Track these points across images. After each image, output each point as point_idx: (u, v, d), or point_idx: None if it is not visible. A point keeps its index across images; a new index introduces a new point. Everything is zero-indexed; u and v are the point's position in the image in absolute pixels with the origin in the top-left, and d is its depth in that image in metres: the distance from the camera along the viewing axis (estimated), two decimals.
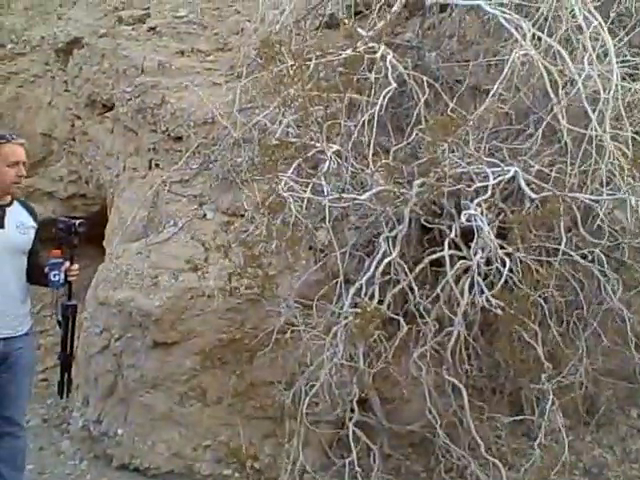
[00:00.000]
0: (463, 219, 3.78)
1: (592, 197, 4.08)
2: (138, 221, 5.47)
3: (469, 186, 3.88)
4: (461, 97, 4.99)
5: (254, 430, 4.43)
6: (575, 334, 4.16)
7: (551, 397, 3.86)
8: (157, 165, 5.87)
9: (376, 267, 3.93)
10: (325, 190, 4.25)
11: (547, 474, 4.01)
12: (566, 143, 4.29)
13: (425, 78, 4.82)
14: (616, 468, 4.19)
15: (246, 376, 4.38)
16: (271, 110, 5.23)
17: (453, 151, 3.96)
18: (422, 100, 4.67)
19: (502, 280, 3.67)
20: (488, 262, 3.96)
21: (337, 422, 4.38)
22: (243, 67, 5.73)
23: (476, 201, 3.82)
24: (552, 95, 4.43)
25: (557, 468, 3.94)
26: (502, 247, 3.79)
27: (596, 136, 4.16)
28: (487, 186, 3.83)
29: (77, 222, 4.02)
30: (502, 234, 4.12)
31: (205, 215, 5.10)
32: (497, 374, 4.31)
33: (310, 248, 4.63)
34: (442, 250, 3.95)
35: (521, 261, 3.84)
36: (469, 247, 3.97)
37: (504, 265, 3.72)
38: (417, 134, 4.53)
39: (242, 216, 4.87)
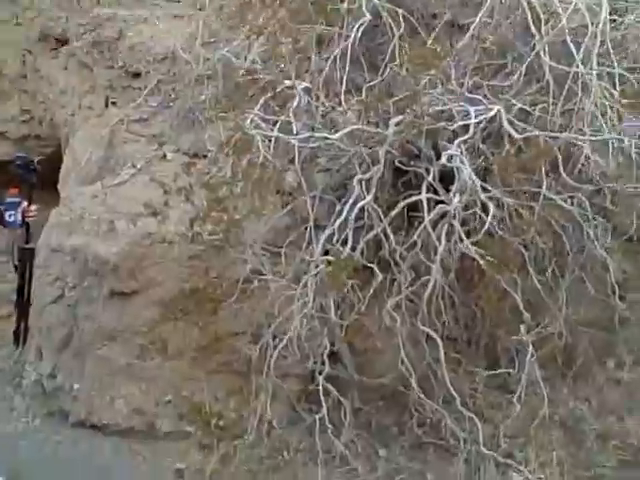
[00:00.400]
0: (444, 160, 3.51)
1: (575, 136, 3.80)
2: (93, 162, 5.13)
3: (450, 124, 3.59)
4: (437, 32, 4.69)
5: (219, 385, 4.16)
6: (555, 283, 3.93)
7: (530, 349, 3.64)
8: (114, 103, 5.51)
9: (349, 212, 3.64)
10: (294, 129, 3.96)
11: (524, 428, 3.84)
12: (548, 81, 4.03)
13: (401, 11, 4.50)
14: (592, 421, 4.03)
15: (210, 328, 4.09)
16: (237, 44, 4.90)
17: (435, 86, 3.65)
18: (397, 34, 4.36)
19: (485, 226, 3.41)
20: (466, 207, 3.72)
21: (306, 376, 4.14)
22: None
23: (457, 141, 3.53)
24: (534, 30, 4.17)
25: (535, 422, 3.77)
26: (484, 190, 3.52)
27: (581, 74, 3.91)
28: (468, 125, 3.55)
29: (36, 159, 3.79)
30: (481, 177, 3.85)
31: (165, 156, 4.75)
32: (473, 324, 4.08)
33: (277, 191, 4.33)
34: (419, 194, 3.68)
35: (502, 205, 3.58)
36: (447, 191, 3.71)
37: (484, 210, 3.47)
38: (392, 70, 4.25)
39: (205, 157, 4.54)
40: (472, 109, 3.60)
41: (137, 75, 5.42)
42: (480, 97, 3.69)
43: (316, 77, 4.38)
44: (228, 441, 4.04)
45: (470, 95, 3.69)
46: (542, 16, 4.19)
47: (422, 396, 3.87)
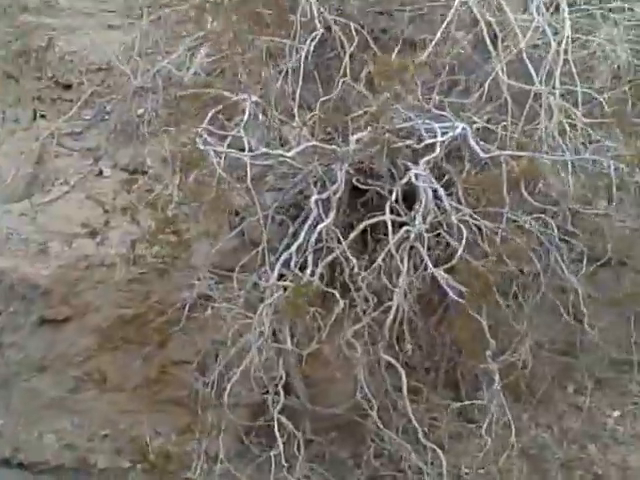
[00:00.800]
0: (411, 179, 3.28)
1: (540, 155, 3.63)
2: (20, 178, 4.72)
3: (417, 142, 3.37)
4: (387, 48, 4.50)
5: (161, 418, 3.82)
6: (518, 307, 3.75)
7: (496, 377, 3.44)
8: (43, 116, 5.11)
9: (308, 234, 3.38)
10: (246, 145, 3.68)
11: (486, 458, 3.63)
12: (506, 100, 3.87)
13: (352, 24, 4.28)
14: (555, 449, 3.85)
15: (152, 357, 3.76)
16: (178, 55, 4.61)
17: (398, 101, 3.42)
18: (351, 47, 4.14)
19: (460, 250, 3.18)
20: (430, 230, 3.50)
21: (255, 407, 3.84)
22: (144, 7, 5.06)
23: (424, 159, 3.31)
24: (491, 49, 4.02)
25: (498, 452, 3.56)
26: (456, 211, 3.31)
27: (541, 93, 3.77)
28: (434, 144, 3.34)
29: None
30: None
31: (102, 172, 4.40)
32: (433, 351, 3.86)
33: (224, 211, 4.03)
34: (380, 215, 3.44)
35: (471, 228, 3.37)
36: (411, 211, 3.49)
37: (451, 233, 3.27)
38: (346, 85, 4.02)
39: (145, 173, 4.21)
40: (437, 126, 3.40)
41: (68, 87, 5.04)
42: (446, 114, 3.48)
43: (266, 91, 4.15)
44: (171, 478, 3.71)
45: (438, 112, 3.48)
46: (499, 34, 4.09)
47: (380, 426, 3.64)
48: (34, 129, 4.99)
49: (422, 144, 3.36)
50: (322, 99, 3.99)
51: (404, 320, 3.38)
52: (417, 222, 3.48)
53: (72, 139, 4.68)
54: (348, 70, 4.05)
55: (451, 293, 3.23)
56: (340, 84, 3.98)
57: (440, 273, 3.31)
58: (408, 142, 3.41)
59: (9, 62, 5.36)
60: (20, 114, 5.26)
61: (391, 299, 3.47)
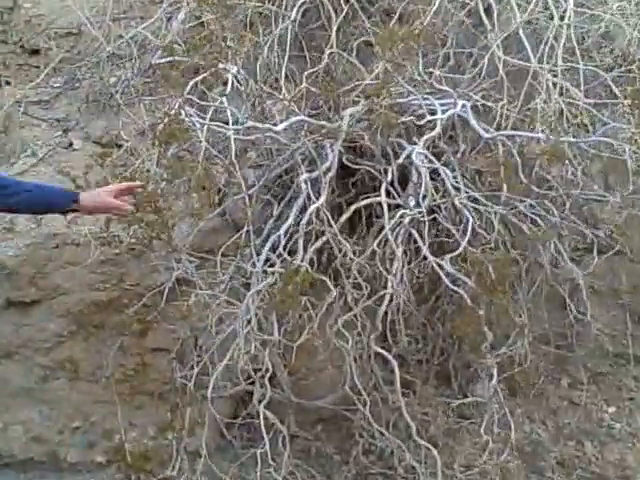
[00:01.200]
0: (415, 158, 3.02)
1: (538, 136, 3.37)
2: None
3: (419, 119, 3.10)
4: (374, 20, 4.21)
5: (136, 409, 3.53)
6: (515, 297, 3.52)
7: (494, 372, 3.21)
8: (8, 83, 4.71)
9: (298, 216, 3.10)
10: (229, 118, 3.38)
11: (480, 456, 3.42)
12: (502, 77, 3.61)
13: None
14: (552, 447, 3.65)
15: (127, 344, 3.47)
16: (154, 20, 4.26)
17: (399, 75, 3.14)
18: (339, 17, 3.86)
19: (467, 236, 2.93)
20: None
21: (236, 397, 3.59)
22: None
23: (425, 138, 3.05)
24: (486, 22, 3.75)
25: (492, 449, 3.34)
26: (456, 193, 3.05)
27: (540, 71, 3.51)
28: (435, 121, 3.07)
29: None
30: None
31: (72, 144, 4.04)
32: (424, 342, 3.62)
33: (203, 188, 3.73)
34: (375, 196, 3.18)
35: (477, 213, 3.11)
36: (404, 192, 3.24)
37: (454, 218, 3.02)
38: (333, 57, 3.74)
39: (120, 146, 3.88)
40: (437, 103, 3.13)
41: (36, 52, 4.66)
42: (449, 89, 3.20)
43: (249, 61, 3.84)
44: (146, 473, 3.44)
45: (441, 87, 3.21)
46: (495, 7, 3.82)
47: (370, 420, 3.40)
48: None
49: (424, 120, 3.09)
50: (309, 71, 3.73)
51: (399, 310, 3.14)
52: (412, 204, 3.25)
53: (40, 108, 4.32)
54: (335, 42, 3.82)
55: (457, 288, 2.97)
56: (327, 56, 3.73)
57: (441, 263, 3.06)
58: (409, 118, 3.12)
59: None
60: None
61: (384, 287, 3.24)
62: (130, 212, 2.89)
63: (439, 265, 3.17)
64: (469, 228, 2.95)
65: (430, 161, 3.08)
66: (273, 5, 3.84)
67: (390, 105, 3.29)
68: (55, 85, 4.46)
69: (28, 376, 3.53)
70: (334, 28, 3.80)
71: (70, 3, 4.63)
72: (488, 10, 3.86)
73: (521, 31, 3.66)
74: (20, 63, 4.77)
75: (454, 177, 3.16)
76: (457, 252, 2.99)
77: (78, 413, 3.53)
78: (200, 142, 3.32)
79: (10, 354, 3.53)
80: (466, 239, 2.94)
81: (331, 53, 3.73)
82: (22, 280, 3.51)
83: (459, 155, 3.48)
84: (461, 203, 3.01)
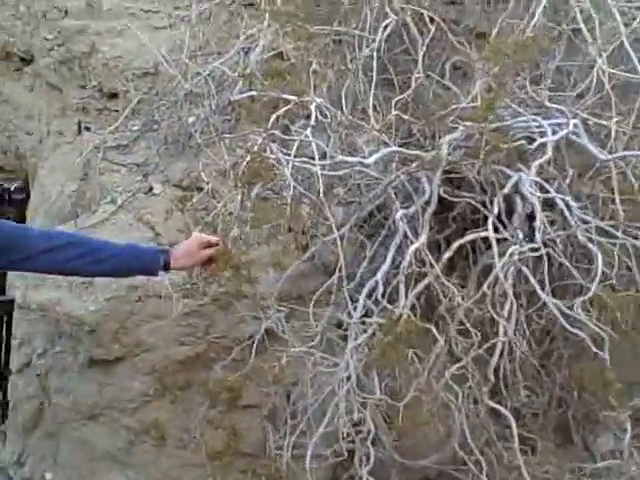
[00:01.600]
0: (525, 187, 2.63)
1: None
2: (66, 197, 4.19)
3: (530, 142, 2.72)
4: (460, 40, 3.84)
5: (229, 470, 3.24)
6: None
7: (629, 424, 2.77)
8: (88, 128, 4.55)
9: (397, 257, 2.76)
10: (315, 151, 3.07)
11: None
12: (608, 92, 3.18)
13: (426, 12, 3.64)
14: None
15: (216, 401, 3.18)
16: (231, 54, 4.02)
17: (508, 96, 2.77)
18: (427, 37, 3.51)
19: (597, 277, 2.52)
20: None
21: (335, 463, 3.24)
22: (192, 6, 4.49)
23: (536, 163, 2.66)
24: (585, 33, 3.34)
25: None
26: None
27: None
28: (545, 144, 2.69)
29: (12, 187, 3.13)
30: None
31: (152, 189, 3.82)
32: (540, 392, 3.19)
33: (290, 230, 3.43)
34: (482, 230, 2.80)
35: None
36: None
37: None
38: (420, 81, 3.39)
39: (200, 189, 3.63)
40: (546, 123, 2.74)
41: (114, 95, 4.49)
42: (561, 108, 2.81)
43: (331, 91, 3.54)
44: None
45: (550, 105, 2.82)
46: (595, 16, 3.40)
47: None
48: (78, 142, 4.47)
49: (535, 144, 2.70)
50: (397, 98, 3.39)
51: (516, 360, 2.75)
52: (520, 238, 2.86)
53: (119, 153, 4.13)
54: (421, 65, 3.48)
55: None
56: (415, 80, 3.39)
57: (559, 304, 2.66)
58: (519, 142, 2.73)
59: (52, 71, 4.90)
60: (64, 126, 4.75)
61: (495, 333, 2.85)
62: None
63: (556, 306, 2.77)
64: (599, 265, 2.53)
65: (542, 189, 2.68)
66: (356, 29, 3.54)
67: (495, 129, 2.93)
68: (134, 128, 4.27)
69: (114, 439, 3.29)
70: (421, 51, 3.48)
71: (147, 42, 4.51)
72: (587, 21, 3.48)
73: (625, 39, 3.27)
74: (99, 108, 4.61)
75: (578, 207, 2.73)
76: (588, 295, 2.57)
77: (167, 478, 3.26)
78: (285, 180, 3.04)
79: (94, 416, 3.31)
80: (596, 280, 2.53)
81: (418, 78, 3.41)
82: (104, 336, 3.28)
83: (567, 181, 3.07)
84: (584, 236, 2.60)
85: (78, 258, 2.42)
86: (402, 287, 2.69)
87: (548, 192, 2.83)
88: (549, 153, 2.67)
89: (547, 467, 3.07)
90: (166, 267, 2.57)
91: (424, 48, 3.44)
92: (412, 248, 2.69)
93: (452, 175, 3.21)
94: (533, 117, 2.79)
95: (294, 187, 3.04)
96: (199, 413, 3.16)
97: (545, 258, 2.82)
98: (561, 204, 2.66)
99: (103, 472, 3.31)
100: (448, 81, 3.31)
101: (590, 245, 2.60)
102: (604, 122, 2.97)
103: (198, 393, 3.22)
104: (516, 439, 2.84)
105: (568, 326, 2.75)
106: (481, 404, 2.92)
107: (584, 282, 2.66)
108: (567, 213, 2.63)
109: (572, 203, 2.65)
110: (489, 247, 3.03)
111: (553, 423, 3.25)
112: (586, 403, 3.16)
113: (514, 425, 2.84)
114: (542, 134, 2.73)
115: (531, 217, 3.02)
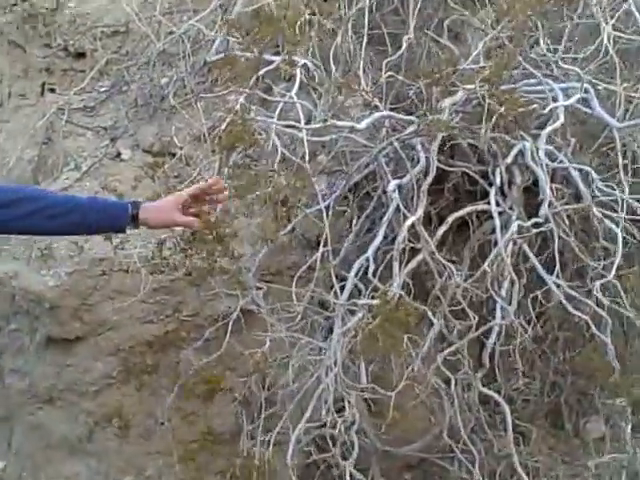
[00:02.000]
0: (537, 158, 2.36)
1: None
2: (26, 162, 3.86)
3: (543, 107, 2.44)
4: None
5: (196, 460, 2.97)
6: None
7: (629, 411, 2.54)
8: (52, 90, 4.24)
9: (389, 231, 2.48)
10: (301, 115, 2.78)
11: None
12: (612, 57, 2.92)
13: None
14: None
15: (185, 386, 2.90)
16: (208, 12, 3.71)
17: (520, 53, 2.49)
18: None
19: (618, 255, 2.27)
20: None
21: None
22: None
23: (546, 130, 2.40)
24: None
25: None
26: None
27: None
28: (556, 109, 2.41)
29: None
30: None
31: (120, 154, 3.52)
32: (531, 376, 2.95)
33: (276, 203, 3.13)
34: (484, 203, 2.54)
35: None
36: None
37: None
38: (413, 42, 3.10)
39: (173, 155, 3.32)
40: (557, 87, 2.47)
41: (81, 55, 4.15)
42: (575, 69, 2.54)
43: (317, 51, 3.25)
44: None
45: (564, 66, 2.54)
46: None
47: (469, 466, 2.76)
48: (41, 104, 4.14)
49: (548, 108, 2.43)
50: (389, 59, 3.11)
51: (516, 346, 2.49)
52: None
53: (85, 115, 3.81)
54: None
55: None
56: (407, 40, 3.09)
57: (560, 283, 2.41)
58: (533, 106, 2.45)
59: (14, 29, 4.55)
60: (27, 88, 4.41)
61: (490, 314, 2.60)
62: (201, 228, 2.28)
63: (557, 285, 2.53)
64: (619, 246, 2.27)
65: (563, 158, 2.41)
66: None
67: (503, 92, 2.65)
68: (101, 89, 3.95)
69: (72, 425, 3.00)
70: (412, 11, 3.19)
71: (116, 1, 4.18)
72: None
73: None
74: (65, 68, 4.27)
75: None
76: (609, 278, 2.31)
77: (130, 466, 2.98)
78: (266, 146, 2.75)
79: (52, 399, 3.01)
80: (617, 260, 2.27)
81: (409, 38, 3.12)
82: (64, 313, 2.98)
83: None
84: (599, 211, 2.35)
85: (34, 213, 2.08)
86: (396, 265, 2.41)
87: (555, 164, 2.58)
88: (561, 118, 2.40)
89: (539, 457, 2.84)
90: (134, 220, 2.19)
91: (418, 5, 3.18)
92: (408, 222, 2.42)
93: (448, 143, 2.96)
94: (545, 80, 2.51)
95: (275, 154, 2.78)
96: (167, 398, 2.87)
97: (549, 235, 2.58)
98: (575, 175, 2.39)
99: (60, 460, 3.02)
100: (446, 40, 3.00)
101: (607, 221, 2.34)
102: (614, 88, 2.69)
103: (166, 376, 2.93)
104: (510, 427, 2.60)
105: (572, 308, 2.50)
106: (474, 390, 2.67)
107: (593, 263, 2.40)
108: (582, 186, 2.36)
109: (594, 175, 2.38)
110: (482, 222, 2.80)
111: (545, 409, 3.02)
112: (580, 388, 2.94)
113: (508, 413, 2.60)
114: (553, 99, 2.45)
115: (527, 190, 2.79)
